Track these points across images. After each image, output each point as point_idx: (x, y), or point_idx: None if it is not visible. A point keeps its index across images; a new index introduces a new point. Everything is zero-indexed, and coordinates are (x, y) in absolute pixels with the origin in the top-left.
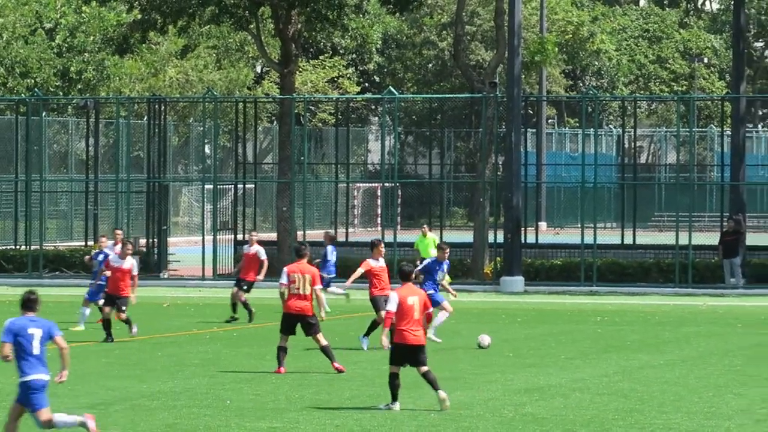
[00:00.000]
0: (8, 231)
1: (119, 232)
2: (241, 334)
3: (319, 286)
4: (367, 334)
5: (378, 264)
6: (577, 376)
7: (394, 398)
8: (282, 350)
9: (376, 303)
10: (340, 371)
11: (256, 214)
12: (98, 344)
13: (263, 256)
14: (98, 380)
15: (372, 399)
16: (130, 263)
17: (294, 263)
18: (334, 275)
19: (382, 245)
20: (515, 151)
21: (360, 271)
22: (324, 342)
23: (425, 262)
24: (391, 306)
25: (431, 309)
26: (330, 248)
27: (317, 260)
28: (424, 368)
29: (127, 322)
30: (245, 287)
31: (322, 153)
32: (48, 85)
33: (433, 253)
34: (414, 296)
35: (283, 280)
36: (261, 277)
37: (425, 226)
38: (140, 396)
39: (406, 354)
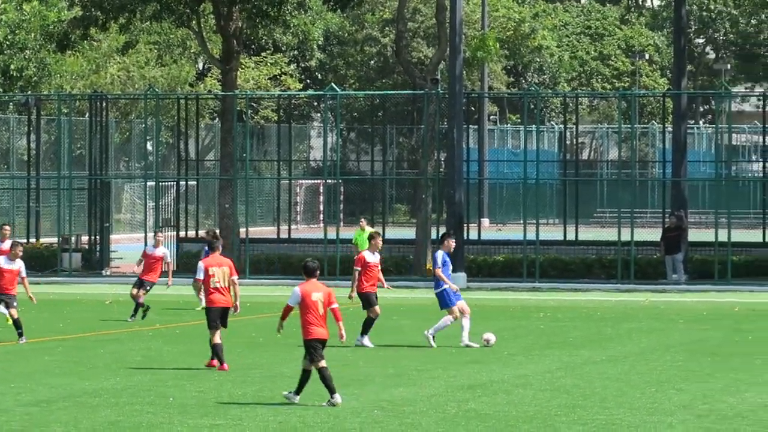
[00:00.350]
0: None
1: (7, 228)
2: (184, 332)
3: (236, 277)
4: (363, 333)
5: (373, 258)
6: (519, 372)
7: (333, 392)
8: (217, 347)
9: (367, 299)
10: (211, 366)
11: (198, 211)
12: (40, 342)
13: (169, 259)
14: (40, 378)
15: (317, 396)
16: (19, 265)
17: (209, 257)
18: None
19: (380, 238)
20: (457, 147)
21: (358, 269)
22: (219, 341)
23: (443, 259)
24: (291, 300)
25: (335, 305)
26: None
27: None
28: (323, 363)
29: (17, 325)
30: (148, 287)
31: (264, 150)
32: None
33: None
34: (318, 292)
35: (200, 275)
36: (171, 283)
37: (363, 220)
38: (83, 393)
39: (314, 348)
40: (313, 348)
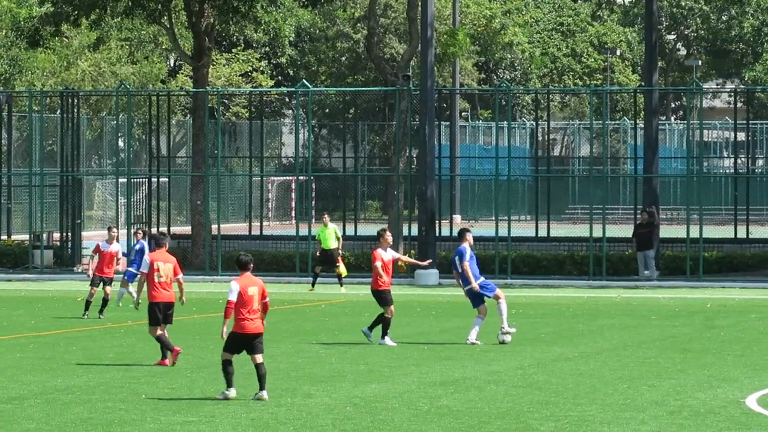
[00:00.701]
0: None
1: None
2: None
3: (181, 276)
4: (371, 327)
5: (386, 256)
6: (492, 368)
7: (229, 384)
8: (161, 337)
9: (383, 297)
10: (162, 365)
11: (170, 208)
12: (12, 339)
13: (122, 255)
14: (12, 375)
15: (289, 392)
16: None
17: (155, 252)
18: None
19: (388, 234)
20: (429, 143)
21: (379, 265)
22: (161, 332)
23: (470, 255)
24: (232, 296)
25: (267, 299)
26: (145, 243)
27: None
28: (260, 358)
29: None
30: (109, 283)
31: (236, 146)
32: None
33: (334, 245)
34: (254, 286)
35: (145, 269)
36: (120, 268)
37: (326, 216)
38: (55, 390)
39: (245, 342)
40: (239, 343)
